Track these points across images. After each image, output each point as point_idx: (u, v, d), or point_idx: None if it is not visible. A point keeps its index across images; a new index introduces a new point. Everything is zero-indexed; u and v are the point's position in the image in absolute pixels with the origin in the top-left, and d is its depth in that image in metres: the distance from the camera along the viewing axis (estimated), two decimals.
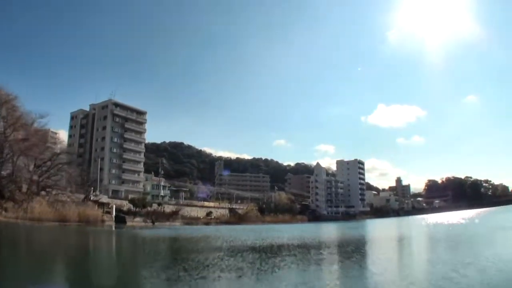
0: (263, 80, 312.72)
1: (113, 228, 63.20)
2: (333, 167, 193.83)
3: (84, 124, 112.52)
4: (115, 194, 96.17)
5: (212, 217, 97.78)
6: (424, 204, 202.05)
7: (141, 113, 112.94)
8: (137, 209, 76.81)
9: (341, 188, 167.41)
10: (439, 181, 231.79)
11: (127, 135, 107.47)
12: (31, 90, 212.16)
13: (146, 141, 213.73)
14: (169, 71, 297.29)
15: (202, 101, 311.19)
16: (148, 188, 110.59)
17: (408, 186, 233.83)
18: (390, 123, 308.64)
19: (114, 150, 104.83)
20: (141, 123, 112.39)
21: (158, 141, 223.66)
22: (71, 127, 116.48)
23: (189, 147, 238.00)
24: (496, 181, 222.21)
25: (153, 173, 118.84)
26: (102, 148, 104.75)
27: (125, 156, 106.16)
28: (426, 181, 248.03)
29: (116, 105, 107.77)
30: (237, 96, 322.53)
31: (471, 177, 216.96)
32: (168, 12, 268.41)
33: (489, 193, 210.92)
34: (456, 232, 44.08)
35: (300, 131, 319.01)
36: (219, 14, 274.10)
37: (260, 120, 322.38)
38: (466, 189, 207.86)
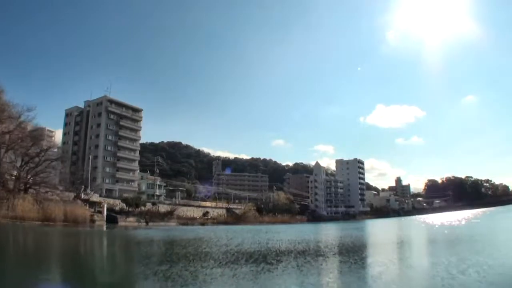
0: (262, 80, 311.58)
1: (104, 229, 60.57)
2: (332, 167, 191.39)
3: (79, 122, 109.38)
4: (109, 193, 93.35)
5: (209, 217, 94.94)
6: (424, 204, 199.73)
7: (136, 110, 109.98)
8: (130, 209, 73.91)
9: (340, 188, 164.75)
10: (439, 181, 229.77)
11: (122, 133, 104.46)
12: (29, 89, 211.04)
13: (144, 141, 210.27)
14: (168, 70, 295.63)
15: (201, 101, 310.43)
16: (143, 187, 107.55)
17: (408, 186, 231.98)
18: (389, 123, 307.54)
19: (109, 148, 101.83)
20: (137, 121, 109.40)
21: (156, 141, 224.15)
22: (65, 124, 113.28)
23: (187, 146, 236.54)
24: (496, 181, 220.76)
25: (148, 172, 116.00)
26: (96, 146, 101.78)
27: (120, 154, 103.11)
28: (425, 181, 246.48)
29: (111, 102, 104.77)
30: (236, 96, 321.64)
31: (471, 177, 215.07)
32: (167, 11, 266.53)
33: (490, 193, 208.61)
34: (459, 234, 41.38)
35: (299, 131, 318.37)
36: (219, 13, 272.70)
37: (259, 120, 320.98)
38: (467, 189, 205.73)
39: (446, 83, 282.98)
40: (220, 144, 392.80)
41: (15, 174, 56.47)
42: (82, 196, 69.26)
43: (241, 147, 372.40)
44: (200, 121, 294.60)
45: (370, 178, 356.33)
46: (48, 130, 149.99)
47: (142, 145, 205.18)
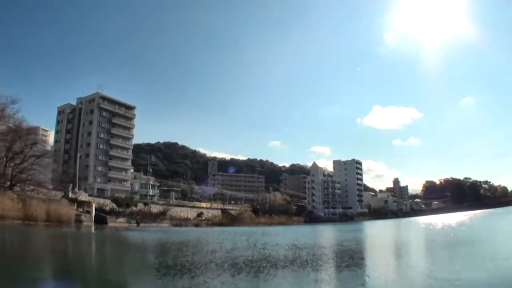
0: (259, 81, 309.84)
1: (93, 230, 57.84)
2: (329, 169, 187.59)
3: (71, 119, 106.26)
4: (101, 193, 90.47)
5: (203, 218, 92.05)
6: (422, 206, 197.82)
7: (129, 107, 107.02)
8: (121, 209, 70.96)
9: (338, 189, 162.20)
10: (437, 182, 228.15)
11: (114, 131, 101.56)
12: (27, 89, 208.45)
13: (140, 141, 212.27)
14: (165, 70, 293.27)
15: (198, 102, 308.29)
16: (136, 187, 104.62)
17: (406, 187, 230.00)
18: (386, 124, 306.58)
19: (101, 146, 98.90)
20: (130, 119, 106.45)
21: (153, 141, 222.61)
22: (58, 122, 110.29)
23: (183, 147, 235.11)
24: (495, 182, 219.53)
25: (142, 171, 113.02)
26: (88, 144, 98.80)
27: (112, 153, 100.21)
28: (423, 182, 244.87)
29: (104, 98, 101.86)
30: (233, 96, 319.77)
31: (470, 178, 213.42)
32: (166, 11, 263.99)
33: (489, 194, 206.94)
34: (461, 237, 38.49)
35: (296, 132, 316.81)
36: (217, 13, 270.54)
37: (256, 121, 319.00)
38: (465, 190, 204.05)
39: (444, 85, 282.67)
40: (217, 145, 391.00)
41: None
42: (70, 195, 66.41)
43: (238, 149, 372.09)
44: (197, 121, 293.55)
45: (367, 179, 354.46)
46: (42, 129, 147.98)
47: (138, 145, 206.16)
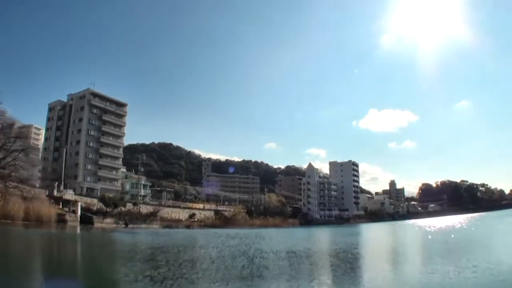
0: (256, 83, 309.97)
1: (78, 231, 54.83)
2: (325, 171, 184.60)
3: (61, 116, 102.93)
4: (90, 192, 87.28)
5: (196, 219, 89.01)
6: (419, 208, 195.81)
7: (121, 105, 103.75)
8: (109, 209, 67.76)
9: (334, 191, 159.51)
10: (434, 185, 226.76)
11: (105, 128, 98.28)
12: (26, 88, 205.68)
13: (135, 142, 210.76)
14: (161, 71, 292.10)
15: (194, 103, 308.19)
16: (128, 187, 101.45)
17: (402, 190, 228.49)
18: (381, 127, 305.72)
19: (90, 144, 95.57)
20: (121, 116, 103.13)
21: (147, 142, 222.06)
22: (48, 119, 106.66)
23: (178, 148, 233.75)
24: (491, 186, 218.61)
25: (133, 171, 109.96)
26: (78, 142, 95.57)
27: (102, 151, 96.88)
28: (418, 185, 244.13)
29: (94, 95, 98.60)
30: (229, 98, 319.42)
31: (467, 181, 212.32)
32: (164, 13, 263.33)
33: (486, 197, 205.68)
34: (461, 242, 36.06)
35: (292, 134, 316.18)
36: (214, 16, 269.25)
37: (252, 123, 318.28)
38: (462, 193, 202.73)
39: (440, 88, 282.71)
40: (212, 147, 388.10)
41: None
42: (55, 193, 63.28)
43: (233, 150, 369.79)
44: (192, 123, 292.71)
45: (362, 182, 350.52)
46: (35, 128, 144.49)
47: (133, 146, 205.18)
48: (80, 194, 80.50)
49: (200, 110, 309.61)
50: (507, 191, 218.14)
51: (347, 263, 20.50)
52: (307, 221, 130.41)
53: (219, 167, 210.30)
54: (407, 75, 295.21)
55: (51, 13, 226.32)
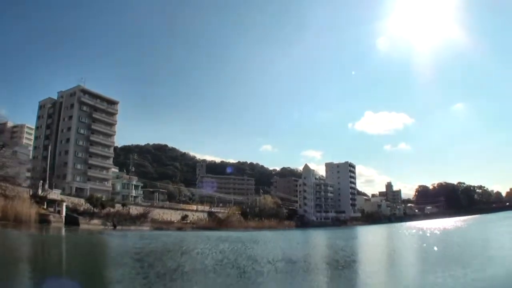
0: (251, 85, 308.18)
1: (62, 232, 51.80)
2: (320, 172, 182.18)
3: (51, 114, 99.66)
4: (80, 192, 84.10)
5: (188, 221, 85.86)
6: (416, 210, 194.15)
7: (112, 102, 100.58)
8: (96, 210, 64.62)
9: (331, 192, 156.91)
10: (430, 187, 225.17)
11: (95, 126, 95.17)
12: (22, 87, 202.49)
13: (130, 143, 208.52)
14: (157, 72, 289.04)
15: (189, 105, 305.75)
16: (118, 188, 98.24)
17: (399, 192, 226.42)
18: (377, 130, 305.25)
19: (80, 143, 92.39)
20: (112, 114, 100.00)
21: (142, 143, 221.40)
22: (38, 117, 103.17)
23: (173, 149, 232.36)
24: (487, 187, 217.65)
25: (124, 170, 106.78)
26: (67, 140, 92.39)
27: (92, 150, 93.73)
28: (415, 187, 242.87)
29: (85, 92, 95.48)
30: (225, 100, 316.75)
31: (464, 183, 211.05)
32: (160, 14, 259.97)
33: (483, 199, 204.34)
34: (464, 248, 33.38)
35: (287, 136, 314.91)
36: (209, 17, 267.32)
37: (248, 125, 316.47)
38: (459, 195, 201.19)
39: (436, 91, 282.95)
40: (208, 149, 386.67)
41: None
42: (40, 192, 60.16)
43: (229, 152, 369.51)
44: (188, 125, 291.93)
45: (358, 184, 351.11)
46: (28, 127, 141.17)
47: (127, 147, 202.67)
48: (69, 194, 77.42)
49: (196, 112, 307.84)
50: (503, 193, 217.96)
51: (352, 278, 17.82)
52: (303, 223, 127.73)
53: (214, 168, 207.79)
54: (403, 77, 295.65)
55: (50, 12, 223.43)
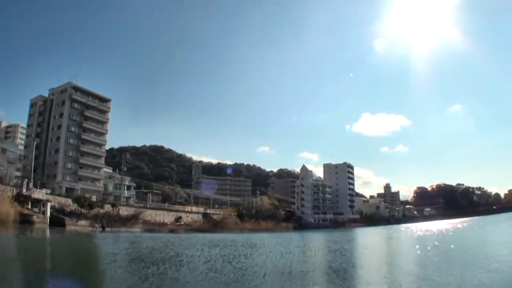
0: (249, 86, 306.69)
1: (47, 234, 48.77)
2: (317, 174, 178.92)
3: (42, 112, 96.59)
4: (70, 193, 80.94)
5: (182, 223, 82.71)
6: (415, 212, 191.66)
7: (104, 100, 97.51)
8: (84, 210, 61.49)
9: (329, 194, 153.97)
10: (429, 189, 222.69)
11: (86, 125, 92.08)
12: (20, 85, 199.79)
13: (126, 145, 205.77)
14: (154, 73, 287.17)
15: (186, 106, 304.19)
16: (111, 188, 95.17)
17: (397, 193, 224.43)
18: (374, 132, 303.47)
19: (71, 141, 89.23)
20: (104, 112, 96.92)
21: (138, 144, 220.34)
22: (30, 115, 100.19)
23: (169, 151, 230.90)
24: (485, 189, 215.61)
25: (117, 170, 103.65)
26: (58, 139, 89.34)
27: (83, 149, 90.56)
28: (413, 189, 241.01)
29: (76, 89, 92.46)
30: (222, 102, 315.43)
31: (462, 184, 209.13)
32: (156, 13, 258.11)
33: (482, 201, 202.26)
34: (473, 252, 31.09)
35: (285, 138, 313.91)
36: (211, 17, 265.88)
37: (245, 127, 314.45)
38: (458, 197, 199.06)
39: (433, 92, 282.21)
40: (205, 150, 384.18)
41: None
42: (25, 192, 57.07)
43: (226, 154, 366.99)
44: (185, 126, 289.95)
45: (355, 186, 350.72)
46: (22, 127, 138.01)
47: (123, 148, 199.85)
48: (59, 195, 74.39)
49: (193, 113, 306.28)
50: (501, 195, 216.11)
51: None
52: (300, 225, 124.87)
53: (210, 170, 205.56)
54: (401, 79, 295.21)
55: (50, 12, 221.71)
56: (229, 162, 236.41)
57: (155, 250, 30.99)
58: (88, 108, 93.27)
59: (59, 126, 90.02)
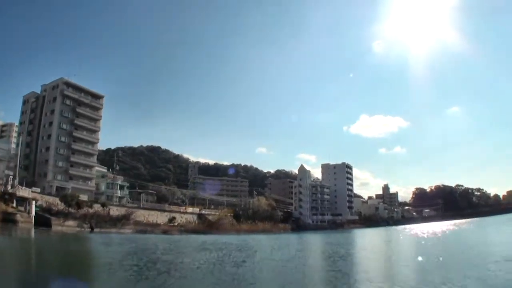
0: (247, 87, 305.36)
1: (32, 234, 46.08)
2: (315, 175, 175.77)
3: (34, 108, 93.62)
4: (61, 192, 77.88)
5: (175, 224, 79.76)
6: (414, 213, 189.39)
7: (97, 96, 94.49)
8: (72, 210, 58.60)
9: (327, 194, 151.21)
10: (428, 190, 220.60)
11: (78, 122, 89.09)
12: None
13: (123, 145, 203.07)
14: (154, 74, 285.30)
15: (184, 107, 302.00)
16: (103, 188, 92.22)
17: (396, 194, 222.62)
18: (372, 133, 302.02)
19: (62, 139, 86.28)
20: (97, 109, 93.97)
21: (135, 145, 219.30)
22: (22, 113, 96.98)
23: (166, 151, 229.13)
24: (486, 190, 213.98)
25: (111, 170, 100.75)
26: (49, 136, 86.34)
27: (75, 146, 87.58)
28: (410, 190, 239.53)
29: (68, 85, 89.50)
30: (220, 102, 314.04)
31: (462, 185, 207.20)
32: (154, 14, 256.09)
33: (482, 202, 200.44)
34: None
35: (282, 139, 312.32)
36: (210, 18, 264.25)
37: (242, 128, 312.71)
38: (457, 198, 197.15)
39: (431, 94, 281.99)
40: (202, 151, 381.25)
41: None
42: (10, 189, 54.30)
43: (223, 155, 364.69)
44: (182, 127, 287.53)
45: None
46: (16, 126, 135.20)
47: (120, 148, 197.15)
48: (50, 194, 71.56)
49: (190, 114, 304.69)
50: (500, 196, 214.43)
51: None
52: (298, 226, 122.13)
53: (207, 170, 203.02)
54: (399, 81, 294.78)
55: (49, 12, 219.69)
56: (226, 163, 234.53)
57: (135, 254, 27.65)
58: (80, 105, 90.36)
59: (51, 123, 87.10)
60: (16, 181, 56.84)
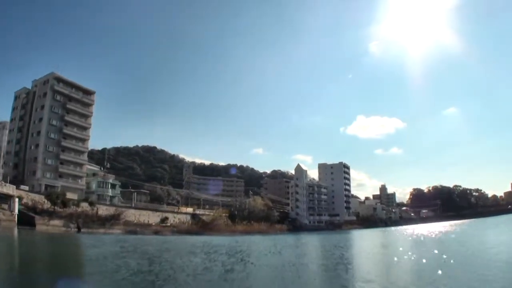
0: (244, 88, 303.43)
1: (14, 233, 43.45)
2: (312, 176, 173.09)
3: (25, 104, 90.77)
4: (50, 190, 75.00)
5: (168, 224, 76.94)
6: (412, 214, 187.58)
7: (88, 92, 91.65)
8: (58, 208, 55.80)
9: (324, 195, 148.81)
10: (425, 190, 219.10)
11: (69, 118, 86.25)
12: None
13: (118, 145, 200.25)
14: (152, 74, 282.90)
15: (181, 108, 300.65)
16: (94, 186, 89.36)
17: (393, 195, 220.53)
18: (369, 134, 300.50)
19: (52, 136, 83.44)
20: (88, 105, 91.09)
21: (131, 145, 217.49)
22: (13, 109, 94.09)
23: (162, 151, 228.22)
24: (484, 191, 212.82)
25: (102, 167, 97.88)
26: (39, 133, 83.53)
27: (65, 143, 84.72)
28: (407, 191, 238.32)
29: (59, 80, 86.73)
30: (217, 103, 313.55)
31: (460, 186, 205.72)
32: (153, 14, 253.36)
33: (480, 203, 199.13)
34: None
35: (279, 140, 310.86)
36: (209, 19, 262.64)
37: (239, 128, 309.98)
38: (455, 199, 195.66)
39: (428, 95, 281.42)
40: (198, 152, 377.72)
41: None
42: None
43: (219, 156, 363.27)
44: (179, 127, 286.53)
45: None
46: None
47: (116, 149, 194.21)
48: (39, 192, 68.70)
49: (186, 115, 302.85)
50: (498, 197, 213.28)
51: None
52: (295, 227, 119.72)
53: (202, 170, 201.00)
54: (395, 82, 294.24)
55: (49, 12, 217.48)
56: (222, 163, 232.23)
57: (103, 258, 24.20)
58: (71, 101, 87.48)
59: (41, 119, 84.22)
60: (0, 177, 54.01)
